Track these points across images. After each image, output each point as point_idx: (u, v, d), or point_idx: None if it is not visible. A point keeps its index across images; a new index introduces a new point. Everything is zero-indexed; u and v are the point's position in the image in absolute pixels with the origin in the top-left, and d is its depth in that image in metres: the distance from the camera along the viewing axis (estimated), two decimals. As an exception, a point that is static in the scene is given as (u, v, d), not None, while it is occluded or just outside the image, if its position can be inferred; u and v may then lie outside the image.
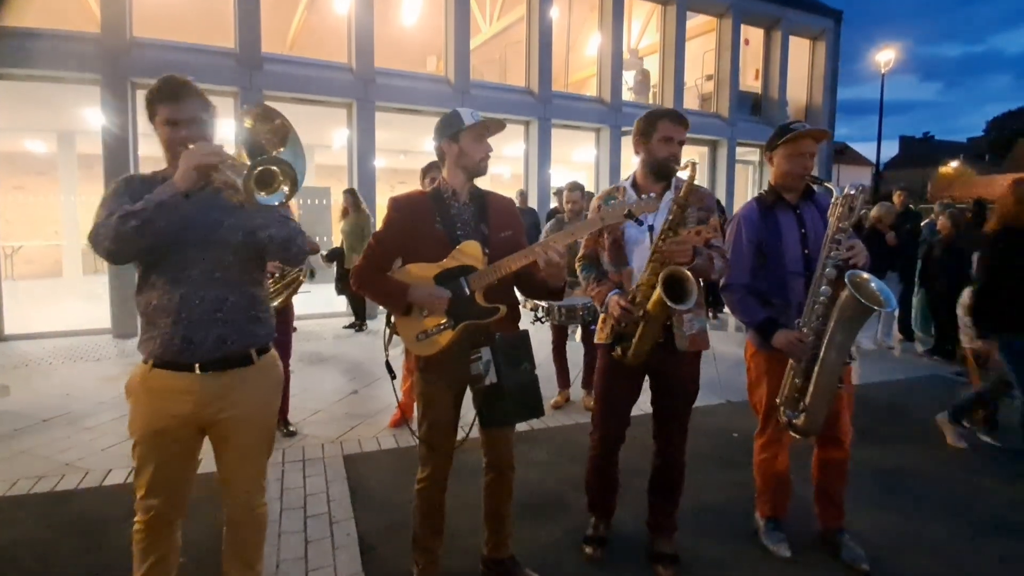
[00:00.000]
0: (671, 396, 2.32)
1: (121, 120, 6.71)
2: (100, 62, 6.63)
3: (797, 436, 2.26)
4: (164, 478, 1.71)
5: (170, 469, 1.71)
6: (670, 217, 2.09)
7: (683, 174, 2.16)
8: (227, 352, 1.68)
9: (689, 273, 1.99)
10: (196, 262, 1.65)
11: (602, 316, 2.34)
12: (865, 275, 2.06)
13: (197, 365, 1.65)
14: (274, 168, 1.49)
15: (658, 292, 1.96)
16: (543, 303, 3.96)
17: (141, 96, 7.71)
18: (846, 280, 2.02)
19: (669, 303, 1.94)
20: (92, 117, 7.62)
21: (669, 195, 2.24)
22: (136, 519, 1.74)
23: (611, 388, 2.35)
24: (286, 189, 1.51)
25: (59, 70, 6.59)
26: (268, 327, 1.82)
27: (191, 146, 1.58)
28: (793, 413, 2.22)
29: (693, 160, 2.13)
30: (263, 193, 1.48)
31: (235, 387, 1.71)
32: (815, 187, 2.41)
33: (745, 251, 2.37)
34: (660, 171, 2.25)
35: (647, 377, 2.34)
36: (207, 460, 1.80)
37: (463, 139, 2.00)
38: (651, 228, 2.22)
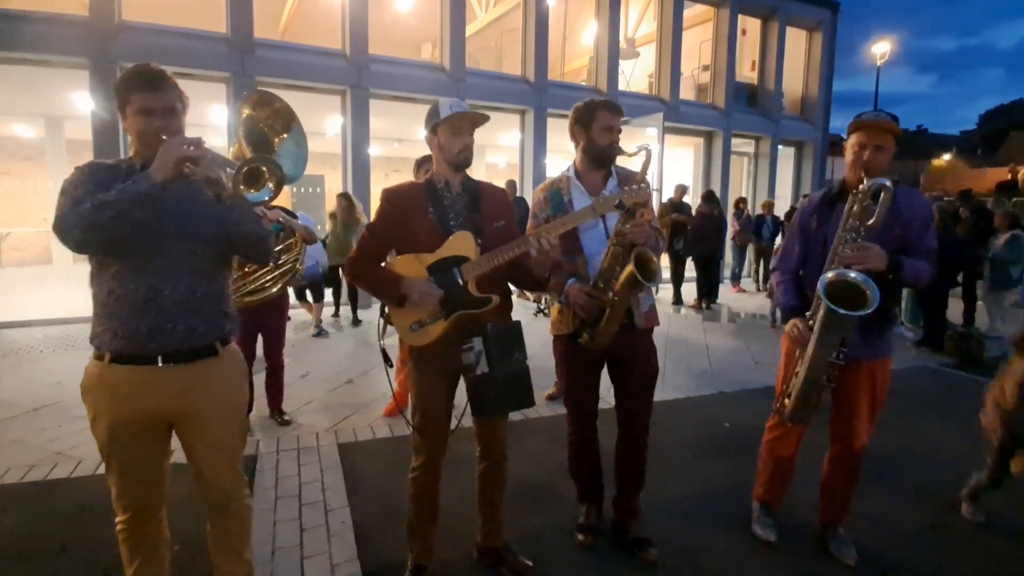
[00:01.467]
0: (632, 375, 2.37)
1: (109, 105, 6.63)
2: (88, 46, 6.53)
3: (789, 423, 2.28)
4: (137, 475, 1.69)
5: (141, 465, 1.68)
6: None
7: (624, 160, 2.28)
8: (195, 343, 1.65)
9: (651, 253, 2.08)
10: (166, 252, 1.61)
11: (556, 307, 2.38)
12: (851, 275, 1.95)
13: (159, 358, 1.61)
14: (261, 167, 1.50)
15: (629, 270, 2.04)
16: (545, 296, 4.00)
17: (131, 81, 7.55)
18: (819, 289, 1.94)
19: (643, 281, 2.02)
20: (80, 102, 7.52)
21: (612, 182, 2.32)
22: (117, 519, 1.72)
23: (575, 372, 2.41)
24: (271, 186, 1.51)
25: (46, 54, 6.49)
26: (233, 321, 1.79)
27: (166, 137, 1.54)
28: (788, 397, 2.23)
29: (647, 146, 2.21)
30: (251, 191, 1.49)
31: (201, 380, 1.68)
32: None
33: (794, 240, 2.39)
34: (602, 159, 2.31)
35: (608, 362, 2.40)
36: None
37: (440, 132, 2.00)
38: (602, 216, 2.25)
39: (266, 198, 1.51)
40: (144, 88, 1.60)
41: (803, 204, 2.45)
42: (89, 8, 6.63)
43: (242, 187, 1.47)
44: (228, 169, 1.52)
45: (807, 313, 2.17)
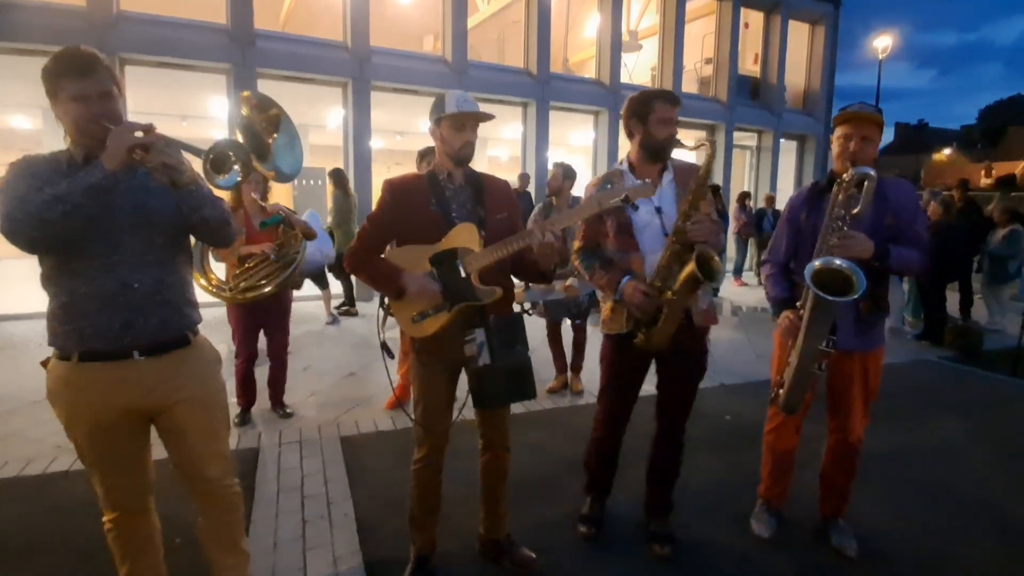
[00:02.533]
0: (683, 374, 2.33)
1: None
2: (86, 37, 6.45)
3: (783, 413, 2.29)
4: (120, 473, 1.67)
5: (124, 462, 1.66)
6: (690, 197, 2.08)
7: (683, 154, 2.17)
8: (170, 335, 1.63)
9: (713, 251, 2.01)
10: (126, 246, 1.56)
11: (609, 305, 2.31)
12: (837, 262, 1.96)
13: (136, 351, 1.58)
14: (227, 152, 1.48)
15: (690, 269, 1.98)
16: (527, 302, 3.99)
17: (130, 72, 7.49)
18: (806, 277, 1.94)
19: (704, 280, 1.97)
20: (80, 93, 7.47)
21: (668, 176, 2.24)
22: (104, 519, 1.70)
23: (620, 372, 2.36)
24: (238, 167, 1.49)
25: (43, 44, 6.42)
26: (196, 308, 1.76)
27: (110, 124, 1.48)
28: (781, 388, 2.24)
29: (709, 139, 2.12)
30: (220, 177, 1.48)
31: (177, 370, 1.65)
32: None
33: (784, 231, 2.39)
34: (658, 153, 2.23)
35: (654, 360, 2.35)
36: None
37: (443, 126, 1.99)
38: (659, 210, 2.21)
39: (236, 180, 1.50)
40: (74, 73, 1.49)
41: (792, 196, 2.45)
42: (87, -2, 6.59)
43: (212, 174, 1.46)
44: (185, 154, 1.49)
45: (798, 303, 2.18)
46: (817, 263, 1.98)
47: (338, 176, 6.89)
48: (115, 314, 1.54)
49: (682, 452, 2.42)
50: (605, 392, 2.44)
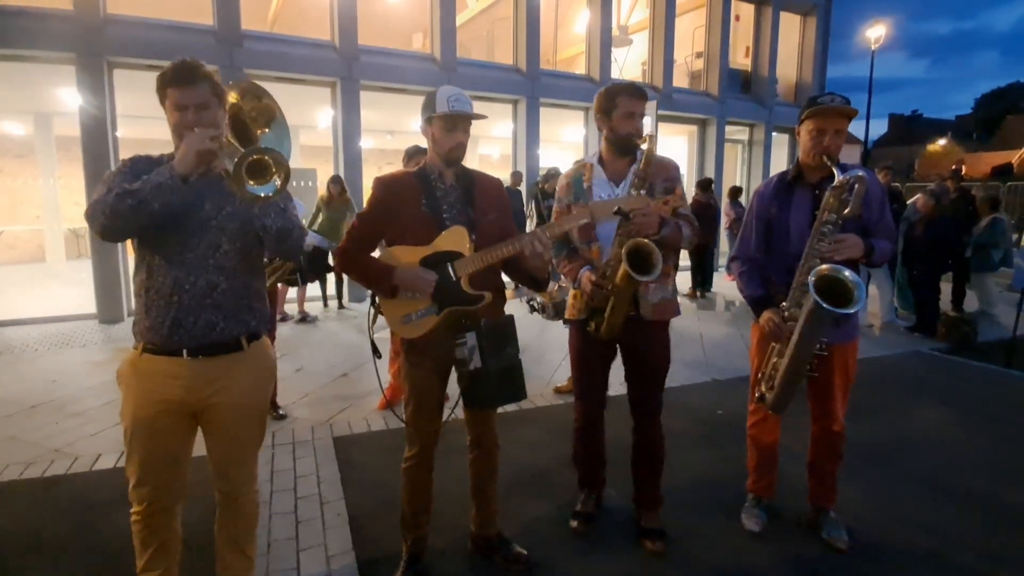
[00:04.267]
0: (642, 367, 2.36)
1: (98, 100, 6.56)
2: (74, 40, 6.44)
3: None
4: (155, 464, 1.71)
5: (162, 454, 1.72)
6: (632, 191, 2.11)
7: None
8: (215, 338, 1.68)
9: (653, 245, 2.01)
10: (192, 246, 1.64)
11: (573, 292, 2.37)
12: (846, 273, 1.93)
13: (185, 351, 1.65)
14: (267, 158, 1.47)
15: (624, 265, 2.00)
16: (538, 297, 4.00)
17: (118, 75, 7.47)
18: (809, 285, 1.92)
19: (633, 275, 1.98)
20: (69, 98, 7.44)
21: (635, 169, 2.25)
22: (132, 510, 1.75)
23: (585, 359, 2.41)
24: (278, 181, 1.48)
25: (32, 49, 6.40)
26: (261, 317, 1.81)
27: (195, 130, 1.57)
28: (768, 388, 2.26)
29: (649, 133, 2.16)
30: (252, 182, 1.46)
31: (225, 373, 1.71)
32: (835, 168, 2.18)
33: (753, 225, 2.38)
34: (624, 147, 2.25)
35: (619, 349, 2.39)
36: (201, 442, 1.81)
37: (434, 125, 1.98)
38: None
39: (270, 193, 1.48)
40: (177, 83, 1.62)
41: (760, 189, 2.44)
42: (74, 2, 6.54)
43: (245, 178, 1.45)
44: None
45: (784, 304, 2.19)
46: (824, 268, 1.95)
47: (340, 183, 6.88)
48: (168, 312, 1.63)
49: (662, 444, 2.43)
50: (575, 379, 2.50)
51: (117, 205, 1.49)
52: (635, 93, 2.23)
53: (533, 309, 4.09)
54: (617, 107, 2.21)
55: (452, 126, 1.97)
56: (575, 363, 2.47)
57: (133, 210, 1.49)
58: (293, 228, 1.71)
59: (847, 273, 1.94)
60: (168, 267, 1.63)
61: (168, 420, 1.69)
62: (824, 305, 1.85)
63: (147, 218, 1.52)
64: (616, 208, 1.91)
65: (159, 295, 1.63)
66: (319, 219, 6.71)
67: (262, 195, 1.48)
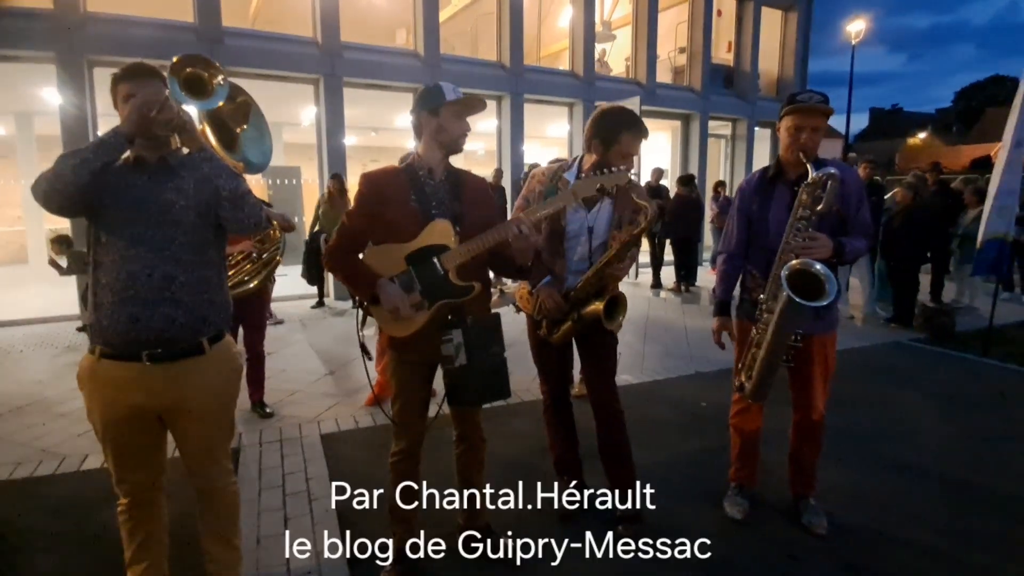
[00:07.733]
0: (592, 355, 2.46)
1: (79, 100, 6.48)
2: (54, 39, 6.36)
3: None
4: (132, 461, 1.74)
5: (135, 452, 1.73)
6: (617, 247, 2.21)
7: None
8: (175, 333, 1.64)
9: (818, 270, 2.01)
10: (145, 240, 1.62)
11: (525, 287, 2.45)
12: (817, 267, 2.00)
13: (144, 355, 1.62)
14: (200, 72, 1.55)
15: (598, 308, 2.22)
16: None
17: (98, 74, 7.36)
18: (782, 279, 1.98)
19: (605, 323, 2.22)
20: (49, 97, 7.34)
21: (608, 200, 2.30)
22: (119, 501, 1.78)
23: (542, 347, 2.51)
24: (220, 79, 1.54)
25: (12, 48, 6.31)
26: (222, 311, 1.78)
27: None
28: (747, 378, 2.32)
29: (632, 173, 2.14)
30: (200, 99, 1.55)
31: (187, 378, 1.69)
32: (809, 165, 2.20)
33: (736, 221, 2.43)
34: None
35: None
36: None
37: (443, 113, 1.97)
38: (590, 230, 2.30)
39: (223, 99, 1.54)
40: (128, 78, 1.66)
41: (742, 184, 2.49)
42: (54, 0, 6.45)
43: (189, 98, 1.53)
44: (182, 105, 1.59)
45: (762, 297, 2.25)
46: (795, 263, 2.02)
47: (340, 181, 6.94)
48: (123, 307, 1.59)
49: (622, 426, 2.46)
50: (536, 362, 2.58)
51: (59, 166, 1.51)
52: (639, 133, 2.22)
53: (519, 310, 4.12)
54: (618, 143, 2.20)
55: (465, 112, 2.00)
56: (534, 348, 2.54)
57: (75, 170, 1.50)
58: (247, 193, 1.71)
59: (818, 267, 2.00)
60: (123, 262, 1.60)
61: (134, 423, 1.69)
62: (796, 298, 1.92)
63: (88, 178, 1.51)
64: (599, 185, 1.91)
65: (112, 292, 1.60)
66: (321, 217, 6.77)
67: (219, 104, 1.58)
